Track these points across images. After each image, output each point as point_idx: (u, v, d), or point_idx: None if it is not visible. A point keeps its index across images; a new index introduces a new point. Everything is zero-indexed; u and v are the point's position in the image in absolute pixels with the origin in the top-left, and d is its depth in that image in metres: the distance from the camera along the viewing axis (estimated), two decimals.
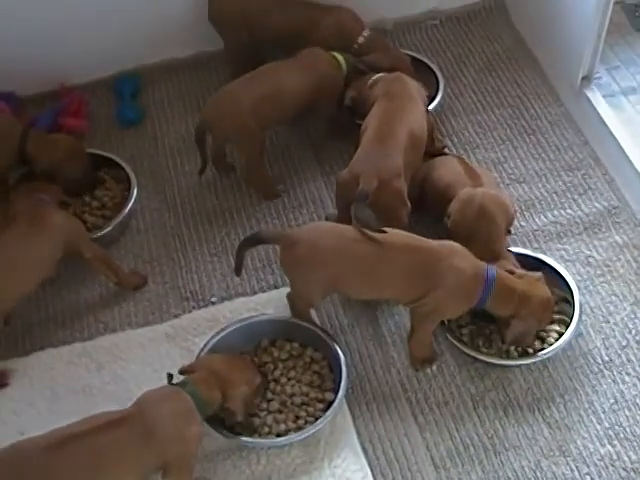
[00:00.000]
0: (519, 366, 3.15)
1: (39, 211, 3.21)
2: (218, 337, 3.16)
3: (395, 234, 2.99)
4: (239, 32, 3.95)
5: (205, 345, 3.14)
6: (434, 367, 3.20)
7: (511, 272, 3.05)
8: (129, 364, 3.27)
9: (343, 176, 3.24)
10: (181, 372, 2.87)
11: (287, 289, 3.24)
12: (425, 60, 4.07)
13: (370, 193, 3.08)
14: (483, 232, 3.18)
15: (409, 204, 3.25)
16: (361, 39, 3.87)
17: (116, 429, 2.62)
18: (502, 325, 3.07)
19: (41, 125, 3.82)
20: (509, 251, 3.27)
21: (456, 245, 3.02)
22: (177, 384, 2.80)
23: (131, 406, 2.72)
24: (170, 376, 2.84)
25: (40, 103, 4.08)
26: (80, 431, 2.61)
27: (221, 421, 2.94)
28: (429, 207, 3.44)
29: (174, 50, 4.28)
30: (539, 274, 3.10)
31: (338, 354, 3.10)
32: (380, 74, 3.59)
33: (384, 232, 2.97)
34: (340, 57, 3.70)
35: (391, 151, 3.22)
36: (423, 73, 3.93)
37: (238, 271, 3.15)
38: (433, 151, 3.62)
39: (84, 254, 3.31)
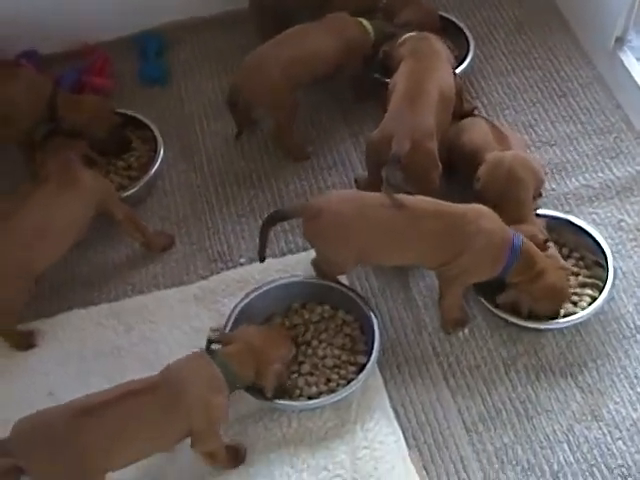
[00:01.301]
0: (551, 330, 3.13)
1: (71, 172, 3.17)
2: (248, 299, 3.13)
3: (421, 199, 2.96)
4: None
5: (235, 307, 3.11)
6: (466, 330, 3.17)
7: (543, 242, 3.01)
8: (158, 326, 3.25)
9: (374, 137, 3.19)
10: (218, 341, 2.83)
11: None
12: (456, 21, 4.01)
13: (403, 156, 3.03)
14: (512, 196, 3.14)
15: (440, 166, 3.21)
16: None
17: (143, 396, 2.60)
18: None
19: (64, 83, 3.79)
20: (539, 215, 3.24)
21: (484, 208, 2.98)
22: (210, 353, 2.76)
23: (159, 373, 2.70)
24: (210, 342, 2.80)
25: (63, 62, 4.03)
26: (108, 398, 2.59)
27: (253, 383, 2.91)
28: (457, 170, 3.40)
29: (199, 9, 4.23)
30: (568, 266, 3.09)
31: (370, 317, 3.07)
32: (409, 34, 3.53)
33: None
34: (366, 23, 3.65)
35: (423, 111, 3.17)
36: (453, 34, 3.88)
37: (262, 254, 3.09)
38: (462, 113, 3.58)
39: (115, 215, 3.28)
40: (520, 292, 3.00)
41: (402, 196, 2.93)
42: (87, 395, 2.63)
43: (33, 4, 3.91)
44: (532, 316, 3.09)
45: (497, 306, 3.10)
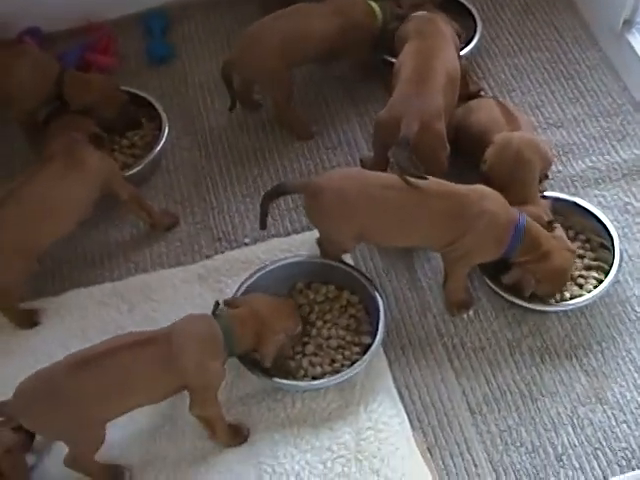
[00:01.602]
0: (556, 312, 3.11)
1: (76, 151, 3.15)
2: (253, 279, 3.12)
3: (424, 180, 2.93)
4: None
5: (240, 286, 3.09)
6: (470, 312, 3.16)
7: (548, 224, 3.00)
8: (161, 305, 3.23)
9: (382, 117, 3.17)
10: (225, 303, 2.85)
11: None
12: (462, 1, 3.97)
13: (411, 138, 3.01)
14: (518, 177, 3.12)
15: (448, 147, 3.19)
16: None
17: (142, 349, 2.63)
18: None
19: (68, 61, 3.76)
20: (545, 197, 3.22)
21: (487, 189, 2.96)
22: (215, 315, 2.77)
23: (163, 328, 2.73)
24: (217, 304, 2.82)
25: (66, 40, 4.01)
26: (106, 349, 2.63)
27: (256, 363, 2.90)
28: (464, 151, 3.36)
29: None
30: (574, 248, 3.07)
31: (376, 297, 3.06)
32: (415, 14, 3.49)
33: (425, 178, 2.91)
34: (376, 6, 3.62)
35: (431, 91, 3.15)
36: (460, 14, 3.86)
37: (263, 224, 3.07)
38: (468, 94, 3.57)
39: (120, 195, 3.27)
40: (525, 272, 2.98)
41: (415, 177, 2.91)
42: (86, 347, 2.67)
43: None
44: (533, 297, 3.08)
45: (502, 287, 3.09)
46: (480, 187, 2.96)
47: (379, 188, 2.90)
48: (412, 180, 2.88)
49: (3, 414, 2.65)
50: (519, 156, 3.13)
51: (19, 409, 2.59)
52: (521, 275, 3.00)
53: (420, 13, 3.48)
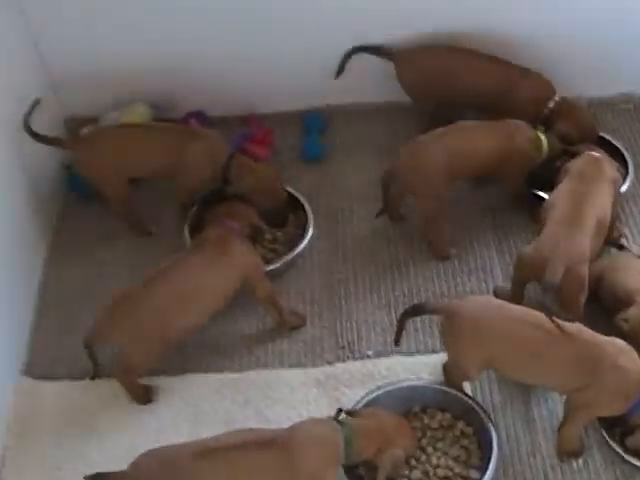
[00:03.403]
0: None
1: (226, 242, 3.22)
2: (373, 395, 3.09)
3: (564, 322, 2.89)
4: (428, 93, 3.94)
5: (359, 400, 3.07)
6: (580, 460, 3.05)
7: None
8: (275, 404, 3.23)
9: (528, 254, 3.18)
10: (348, 413, 2.85)
11: (445, 355, 3.15)
12: (615, 143, 3.94)
13: (556, 284, 3.01)
14: None
15: (587, 291, 3.16)
16: (552, 103, 3.83)
17: (263, 451, 2.65)
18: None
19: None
20: None
21: (624, 344, 2.90)
22: (339, 422, 2.78)
23: (284, 430, 2.75)
24: (339, 411, 2.84)
25: (227, 125, 4.14)
26: (233, 444, 2.66)
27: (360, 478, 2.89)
28: (601, 300, 3.33)
29: (364, 95, 4.28)
30: None
31: (490, 432, 3.00)
32: (583, 153, 3.50)
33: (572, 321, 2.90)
34: (544, 138, 3.62)
35: (580, 236, 3.15)
36: (612, 156, 3.78)
37: (397, 340, 3.11)
38: (609, 238, 3.51)
39: (257, 292, 3.32)
40: None
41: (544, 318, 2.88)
42: (210, 437, 2.73)
43: (206, 67, 4.05)
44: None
45: (615, 440, 3.01)
46: (618, 342, 2.90)
47: (517, 323, 2.88)
48: (558, 322, 2.85)
49: None
50: None
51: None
52: None
53: (588, 153, 3.48)
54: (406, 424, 2.92)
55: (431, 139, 3.56)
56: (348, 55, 3.98)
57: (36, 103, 3.61)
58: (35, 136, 3.59)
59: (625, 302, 3.16)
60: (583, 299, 3.16)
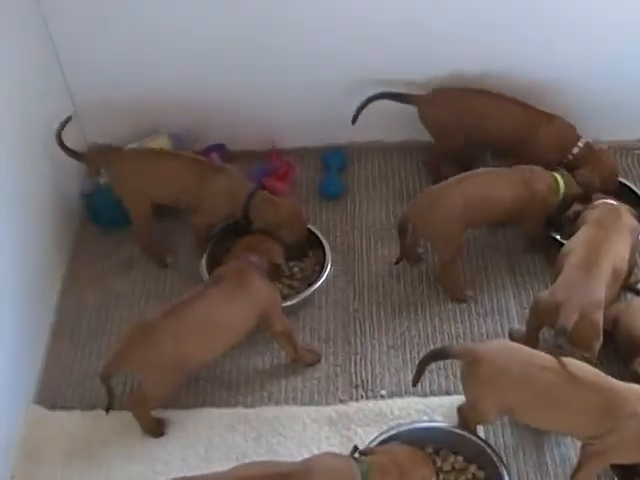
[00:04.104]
0: None
1: (245, 275, 3.23)
2: (385, 436, 3.07)
3: (583, 369, 2.89)
4: (451, 135, 3.93)
5: (371, 442, 3.05)
6: None
7: None
8: (287, 440, 3.21)
9: (544, 299, 3.18)
10: (362, 453, 2.84)
11: (459, 397, 3.16)
12: (635, 189, 3.94)
13: (569, 327, 3.00)
14: None
15: (602, 338, 3.14)
16: (576, 149, 3.83)
17: None
18: None
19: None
20: None
21: None
22: (355, 459, 2.77)
23: (301, 462, 2.75)
24: (355, 448, 2.83)
25: (248, 159, 4.17)
26: (245, 476, 2.65)
27: None
28: (618, 347, 3.33)
29: (384, 134, 4.30)
30: None
31: (503, 477, 2.98)
32: (602, 200, 3.50)
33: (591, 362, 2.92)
34: (560, 180, 3.62)
35: (595, 283, 3.15)
36: (630, 201, 3.80)
37: (416, 381, 3.10)
38: (626, 284, 3.52)
39: (275, 327, 3.31)
40: None
41: (567, 362, 2.87)
42: (228, 469, 2.73)
43: (227, 101, 4.06)
44: None
45: None
46: (638, 388, 2.88)
47: (538, 369, 2.87)
48: (569, 366, 2.85)
49: None
50: None
51: None
52: None
53: (605, 201, 3.48)
54: (421, 454, 2.91)
55: (447, 186, 3.55)
56: (367, 102, 3.96)
57: (68, 120, 3.64)
58: (68, 151, 3.64)
59: None
60: (598, 346, 3.14)
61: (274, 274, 3.42)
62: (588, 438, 2.89)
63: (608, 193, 3.65)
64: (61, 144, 3.61)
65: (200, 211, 3.63)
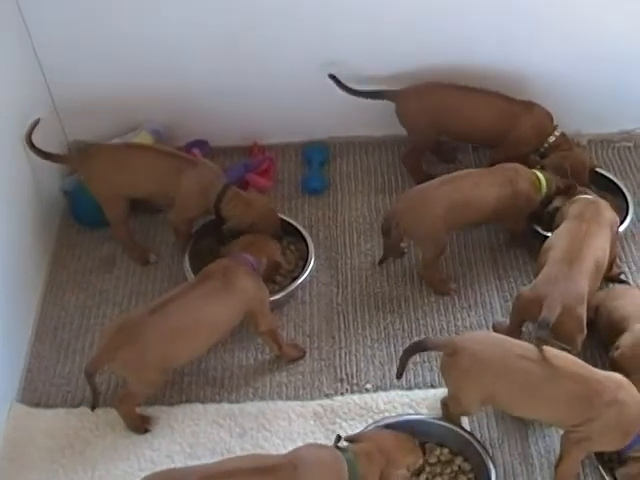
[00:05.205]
0: None
1: (231, 273, 3.22)
2: (370, 429, 3.06)
3: (564, 358, 2.92)
4: (426, 129, 3.93)
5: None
6: None
7: None
8: (272, 435, 3.21)
9: (526, 294, 3.20)
10: (347, 439, 2.84)
11: (444, 390, 3.15)
12: (616, 181, 3.97)
13: (552, 321, 3.02)
14: None
15: (585, 331, 3.16)
16: (552, 138, 3.86)
17: (268, 476, 2.63)
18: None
19: (230, 177, 3.83)
20: None
21: (624, 379, 2.90)
22: (339, 448, 2.77)
23: (287, 455, 2.75)
24: (338, 438, 2.83)
25: (229, 155, 4.18)
26: (233, 470, 2.64)
27: None
28: (599, 333, 3.36)
29: (365, 129, 4.30)
30: None
31: (489, 469, 2.99)
32: (581, 195, 3.53)
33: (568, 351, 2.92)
34: (542, 177, 3.63)
35: (578, 276, 3.18)
36: (612, 193, 3.87)
37: (400, 374, 3.09)
38: (609, 275, 3.56)
39: (259, 326, 3.31)
40: None
41: (547, 351, 2.89)
42: (215, 462, 2.75)
43: (208, 97, 4.07)
44: None
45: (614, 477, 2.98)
46: (618, 376, 2.91)
47: (518, 358, 2.89)
48: (549, 356, 2.87)
49: None
50: None
51: None
52: (638, 472, 2.88)
53: (585, 196, 3.51)
54: (406, 439, 2.91)
55: (432, 188, 3.55)
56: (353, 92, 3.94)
57: (36, 123, 3.62)
58: (39, 153, 3.62)
59: (620, 329, 3.19)
60: (581, 340, 3.16)
61: (274, 273, 3.43)
62: (570, 426, 2.91)
63: (581, 185, 3.66)
64: (32, 146, 3.59)
65: (175, 204, 3.60)
